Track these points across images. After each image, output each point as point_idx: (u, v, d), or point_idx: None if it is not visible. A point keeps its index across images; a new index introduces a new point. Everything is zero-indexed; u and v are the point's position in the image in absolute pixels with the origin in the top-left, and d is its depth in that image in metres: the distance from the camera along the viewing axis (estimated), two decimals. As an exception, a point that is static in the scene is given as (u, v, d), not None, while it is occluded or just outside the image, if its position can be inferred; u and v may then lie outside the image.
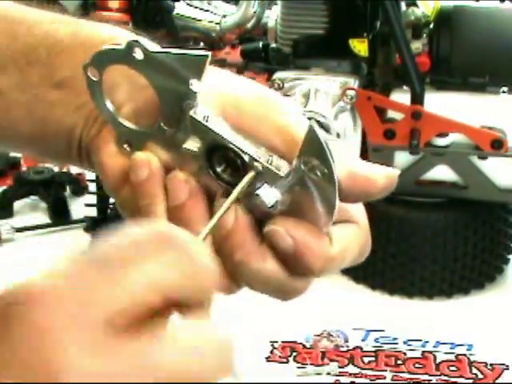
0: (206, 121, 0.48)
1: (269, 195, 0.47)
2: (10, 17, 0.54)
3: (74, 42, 0.52)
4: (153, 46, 0.48)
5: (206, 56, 0.47)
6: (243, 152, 0.47)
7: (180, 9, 1.79)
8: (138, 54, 0.47)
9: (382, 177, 0.49)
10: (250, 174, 0.47)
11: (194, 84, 0.47)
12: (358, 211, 0.51)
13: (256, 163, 0.47)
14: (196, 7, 1.79)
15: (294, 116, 0.49)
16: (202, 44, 1.77)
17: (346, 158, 0.49)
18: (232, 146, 0.47)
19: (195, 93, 0.48)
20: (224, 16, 1.74)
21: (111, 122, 0.50)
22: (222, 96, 0.49)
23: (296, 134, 0.47)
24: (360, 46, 1.40)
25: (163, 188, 0.49)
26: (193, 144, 0.48)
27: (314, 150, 0.45)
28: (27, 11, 0.55)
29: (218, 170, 0.49)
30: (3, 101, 0.53)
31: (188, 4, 1.80)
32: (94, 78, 0.49)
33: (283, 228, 0.47)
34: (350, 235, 0.49)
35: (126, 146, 0.50)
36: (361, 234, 0.50)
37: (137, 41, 0.47)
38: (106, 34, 0.52)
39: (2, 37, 0.53)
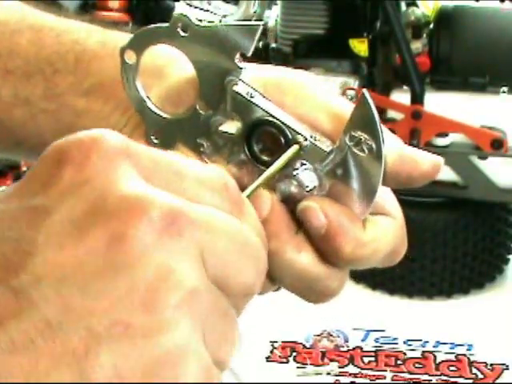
0: (251, 97, 0.47)
1: (307, 178, 0.46)
2: (38, 26, 0.54)
3: (103, 50, 0.52)
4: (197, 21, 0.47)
5: (258, 25, 0.46)
6: (287, 126, 0.46)
7: (180, 9, 1.79)
8: (183, 30, 0.46)
9: (429, 162, 0.48)
10: (294, 148, 0.46)
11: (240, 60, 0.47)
12: (395, 206, 0.50)
13: (300, 137, 0.46)
14: (196, 7, 1.79)
15: (335, 95, 0.49)
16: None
17: (395, 139, 0.48)
18: (276, 121, 0.46)
19: (241, 68, 0.47)
20: (224, 16, 1.74)
21: (140, 111, 0.49)
22: (262, 77, 0.49)
23: (340, 111, 0.47)
24: (360, 46, 1.40)
25: None
26: (230, 126, 0.48)
27: (363, 121, 0.44)
28: (55, 20, 0.55)
29: (256, 149, 0.47)
30: (30, 109, 0.53)
31: (188, 4, 1.80)
32: (130, 62, 0.48)
33: (318, 206, 0.46)
34: (385, 226, 0.48)
35: (153, 137, 0.50)
36: (396, 228, 0.49)
37: (185, 14, 0.46)
38: None
39: (30, 46, 0.53)
